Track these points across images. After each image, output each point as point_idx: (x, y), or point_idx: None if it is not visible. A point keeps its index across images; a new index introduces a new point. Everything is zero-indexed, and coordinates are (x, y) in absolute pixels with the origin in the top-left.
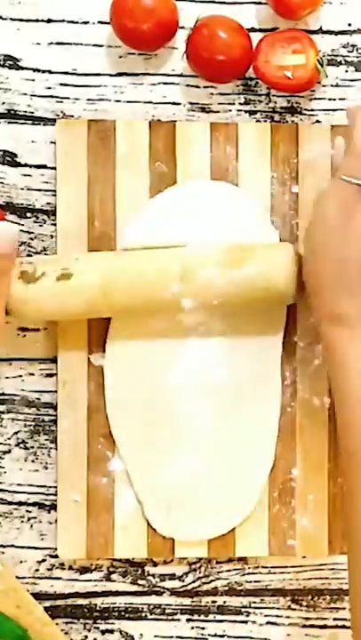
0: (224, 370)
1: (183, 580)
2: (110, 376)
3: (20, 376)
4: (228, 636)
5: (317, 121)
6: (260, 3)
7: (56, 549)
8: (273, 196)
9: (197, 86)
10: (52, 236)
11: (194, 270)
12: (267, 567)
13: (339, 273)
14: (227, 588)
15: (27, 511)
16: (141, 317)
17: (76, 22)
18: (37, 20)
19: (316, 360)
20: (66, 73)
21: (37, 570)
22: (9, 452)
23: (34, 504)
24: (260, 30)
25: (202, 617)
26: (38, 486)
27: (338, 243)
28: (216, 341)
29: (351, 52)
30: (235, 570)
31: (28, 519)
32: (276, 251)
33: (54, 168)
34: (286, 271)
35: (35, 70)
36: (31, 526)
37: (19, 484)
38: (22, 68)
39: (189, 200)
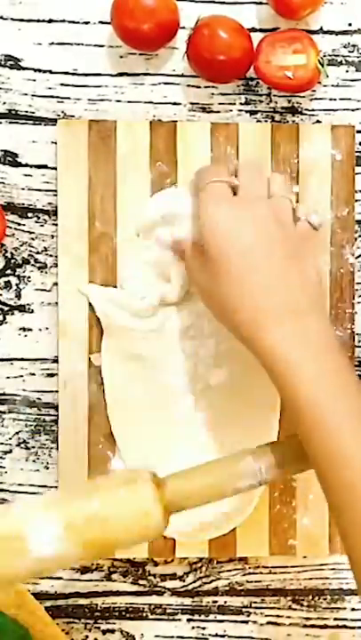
0: (223, 369)
1: (184, 580)
2: (108, 376)
3: (21, 376)
4: (229, 636)
5: (318, 121)
6: (260, 3)
7: None
8: None
9: (198, 86)
10: (52, 236)
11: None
12: (267, 567)
13: (249, 265)
14: (227, 588)
15: None
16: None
17: (77, 22)
18: (38, 20)
19: None
20: (67, 73)
21: None
22: (10, 451)
23: None
24: (261, 30)
25: (202, 617)
26: (39, 486)
27: (234, 241)
28: (213, 341)
29: (352, 52)
30: (235, 570)
31: None
32: None
33: (55, 168)
34: None
35: (35, 70)
36: None
37: (20, 484)
38: (23, 68)
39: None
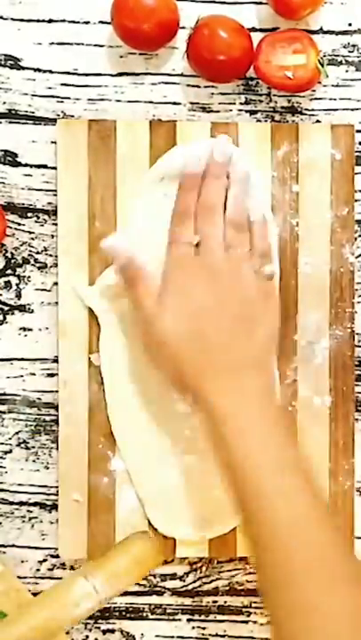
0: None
1: (184, 580)
2: (108, 376)
3: (21, 376)
4: (229, 636)
5: (318, 121)
6: (260, 3)
7: (57, 549)
8: (273, 195)
9: (198, 86)
10: (52, 236)
11: None
12: None
13: (197, 328)
14: (228, 588)
15: (28, 511)
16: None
17: (77, 22)
18: (38, 20)
19: (316, 359)
20: (67, 73)
21: (38, 570)
22: (10, 451)
23: (35, 504)
24: (261, 30)
25: (203, 617)
26: (39, 486)
27: (187, 300)
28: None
29: (352, 52)
30: (236, 569)
31: (30, 519)
32: None
33: (55, 168)
34: None
35: (35, 70)
36: (32, 526)
37: (20, 484)
38: (23, 68)
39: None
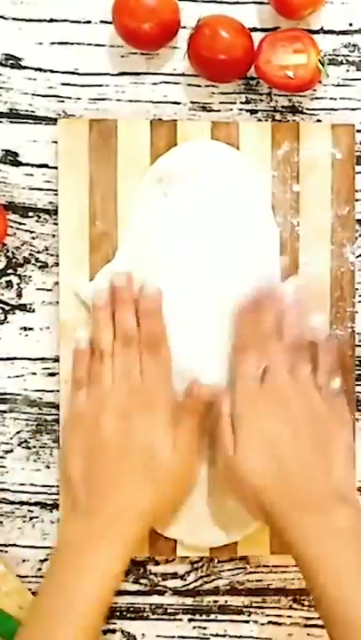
0: (217, 365)
1: (185, 579)
2: None
3: (22, 375)
4: (230, 636)
5: (318, 120)
6: (261, 2)
7: None
8: (274, 194)
9: (199, 86)
10: (53, 236)
11: None
12: (268, 566)
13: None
14: (228, 588)
15: (29, 511)
16: None
17: (78, 22)
18: (39, 20)
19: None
20: (67, 72)
21: (40, 569)
22: (11, 451)
23: (36, 503)
24: (262, 30)
25: (203, 616)
26: (40, 486)
27: (262, 435)
28: (211, 342)
29: (352, 51)
30: (236, 569)
31: (31, 519)
32: None
33: (56, 167)
34: None
35: (36, 70)
36: (33, 526)
37: (21, 484)
38: (24, 68)
39: (192, 161)
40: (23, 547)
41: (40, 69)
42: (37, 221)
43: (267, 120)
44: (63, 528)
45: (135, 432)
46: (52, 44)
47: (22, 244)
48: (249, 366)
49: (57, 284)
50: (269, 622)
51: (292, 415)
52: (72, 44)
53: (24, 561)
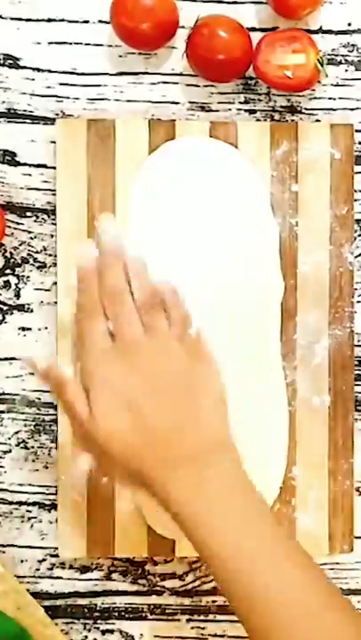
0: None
1: (183, 580)
2: None
3: (21, 375)
4: (229, 636)
5: (317, 120)
6: (260, 2)
7: (56, 549)
8: (273, 194)
9: (197, 85)
10: (52, 236)
11: None
12: None
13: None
14: None
15: (27, 511)
16: None
17: (76, 22)
18: (37, 20)
19: (316, 359)
20: (65, 72)
21: (38, 569)
22: (9, 451)
23: (34, 504)
24: (260, 30)
25: (202, 617)
26: (38, 486)
27: (117, 392)
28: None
29: (351, 51)
30: None
31: (29, 519)
32: None
33: (54, 167)
34: None
35: (34, 69)
36: (31, 526)
37: (19, 484)
38: (22, 68)
39: (188, 158)
40: (21, 547)
41: (38, 69)
42: (35, 221)
43: (265, 120)
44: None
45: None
46: (50, 43)
47: (20, 244)
48: (95, 325)
49: (55, 284)
50: None
51: (148, 369)
52: (70, 43)
53: (22, 561)
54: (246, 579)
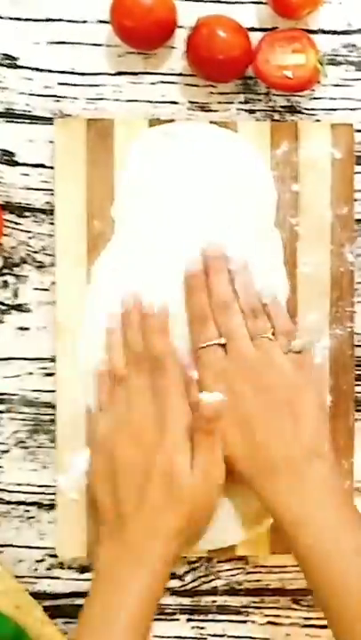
0: None
1: (183, 580)
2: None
3: (19, 375)
4: (228, 636)
5: (317, 120)
6: (259, 2)
7: (55, 549)
8: None
9: (197, 85)
10: (50, 235)
11: None
12: (267, 567)
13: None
14: (227, 588)
15: (25, 511)
16: None
17: (76, 21)
18: (36, 20)
19: (316, 359)
20: (64, 72)
21: (36, 569)
22: (8, 451)
23: (33, 503)
24: (260, 30)
25: (202, 616)
26: (37, 486)
27: (233, 404)
28: None
29: (351, 51)
30: (235, 569)
31: (27, 518)
32: None
33: (53, 167)
34: None
35: (33, 69)
36: (30, 526)
37: (18, 484)
38: (20, 67)
39: (187, 140)
40: (20, 547)
41: (37, 69)
42: (34, 221)
43: (265, 120)
44: (101, 554)
45: (152, 456)
46: (49, 43)
47: (19, 244)
48: (210, 335)
49: (54, 283)
50: (268, 622)
51: (257, 379)
52: (69, 43)
53: (20, 561)
54: (340, 579)
